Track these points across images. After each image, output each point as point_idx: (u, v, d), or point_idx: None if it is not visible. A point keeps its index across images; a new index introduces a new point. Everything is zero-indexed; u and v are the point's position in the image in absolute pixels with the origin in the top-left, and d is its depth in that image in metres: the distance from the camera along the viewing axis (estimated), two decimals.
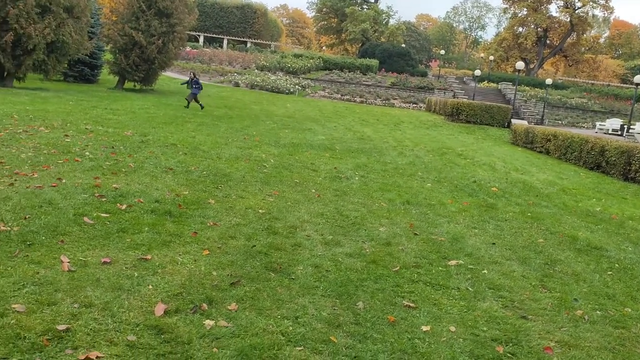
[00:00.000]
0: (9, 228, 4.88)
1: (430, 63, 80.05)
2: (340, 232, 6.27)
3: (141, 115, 15.30)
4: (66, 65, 24.05)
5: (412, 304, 4.45)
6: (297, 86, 36.32)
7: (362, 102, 35.08)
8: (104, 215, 5.65)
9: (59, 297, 3.73)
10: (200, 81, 22.27)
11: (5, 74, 20.50)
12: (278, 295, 4.26)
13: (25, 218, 5.22)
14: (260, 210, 6.74)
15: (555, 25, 58.92)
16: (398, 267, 5.26)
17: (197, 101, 21.09)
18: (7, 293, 3.67)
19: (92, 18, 23.81)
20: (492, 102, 33.55)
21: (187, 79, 23.83)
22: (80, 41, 21.42)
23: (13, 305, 3.51)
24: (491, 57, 59.42)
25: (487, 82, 50.47)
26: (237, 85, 35.29)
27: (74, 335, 3.27)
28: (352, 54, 64.95)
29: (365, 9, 65.36)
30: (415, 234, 6.62)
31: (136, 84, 26.47)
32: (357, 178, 9.89)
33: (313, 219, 6.69)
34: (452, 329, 4.11)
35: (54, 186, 6.49)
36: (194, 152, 10.35)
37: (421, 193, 9.26)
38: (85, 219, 5.43)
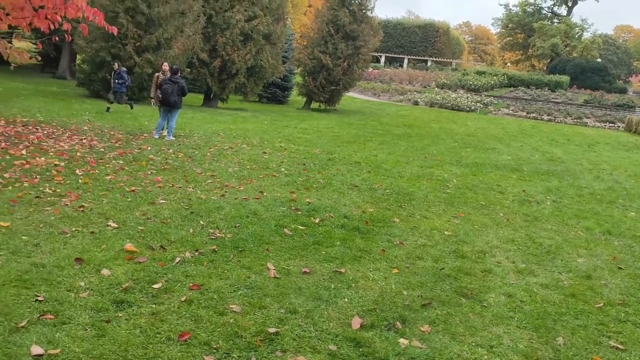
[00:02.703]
0: (223, 235, 5.51)
1: (630, 78, 72.19)
2: (533, 260, 5.95)
3: (326, 134, 16.12)
4: (261, 87, 26.36)
5: (620, 346, 4.07)
6: (478, 104, 35.23)
7: (549, 120, 32.81)
8: (301, 227, 6.08)
9: (267, 301, 4.10)
10: (126, 76, 16.48)
11: (212, 95, 23.11)
12: (470, 322, 4.19)
13: (236, 227, 5.83)
14: (445, 232, 6.69)
15: None
16: (601, 304, 4.84)
17: (120, 101, 16.36)
18: (226, 294, 4.14)
19: (285, 43, 25.77)
20: None
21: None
22: (275, 65, 23.34)
23: (231, 306, 3.94)
24: None
25: None
26: (415, 103, 35.39)
27: (282, 339, 3.57)
28: (539, 70, 61.30)
29: (555, 23, 61.37)
30: (620, 268, 6.03)
31: (321, 104, 27.96)
32: (548, 203, 9.29)
33: (503, 244, 6.45)
34: None
35: (257, 199, 7.16)
36: (376, 170, 10.63)
37: (624, 223, 8.40)
38: (285, 230, 5.90)
